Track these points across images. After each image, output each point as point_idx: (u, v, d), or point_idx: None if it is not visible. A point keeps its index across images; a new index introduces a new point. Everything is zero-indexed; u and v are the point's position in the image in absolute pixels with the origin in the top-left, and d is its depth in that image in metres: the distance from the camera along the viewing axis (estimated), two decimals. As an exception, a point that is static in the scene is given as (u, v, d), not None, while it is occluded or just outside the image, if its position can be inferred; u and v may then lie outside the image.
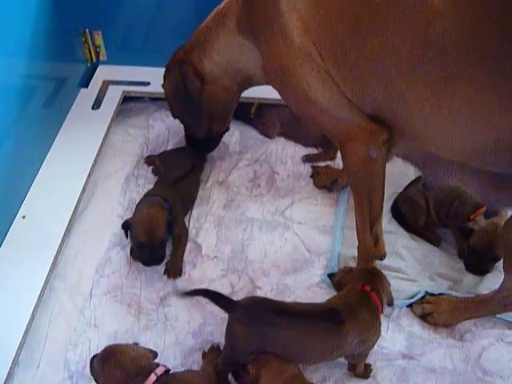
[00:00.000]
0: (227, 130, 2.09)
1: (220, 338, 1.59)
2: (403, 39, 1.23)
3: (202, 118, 1.89)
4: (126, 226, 1.71)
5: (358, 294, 1.44)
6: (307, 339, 1.36)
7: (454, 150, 1.37)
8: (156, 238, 1.67)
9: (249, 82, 1.77)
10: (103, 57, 2.35)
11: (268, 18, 1.42)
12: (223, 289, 1.73)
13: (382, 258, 1.68)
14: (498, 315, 1.66)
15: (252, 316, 1.35)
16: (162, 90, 2.26)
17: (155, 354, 1.41)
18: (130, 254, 1.80)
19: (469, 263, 1.67)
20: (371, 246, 1.66)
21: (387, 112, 1.38)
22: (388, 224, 1.91)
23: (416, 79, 1.26)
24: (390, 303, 1.52)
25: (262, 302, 1.43)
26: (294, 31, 1.36)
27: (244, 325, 1.34)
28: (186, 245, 1.83)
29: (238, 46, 1.62)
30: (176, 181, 1.91)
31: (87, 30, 2.24)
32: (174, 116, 2.01)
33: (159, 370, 1.33)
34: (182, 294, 1.45)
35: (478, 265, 1.66)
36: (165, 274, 1.76)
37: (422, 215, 1.89)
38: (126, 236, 1.73)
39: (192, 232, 1.90)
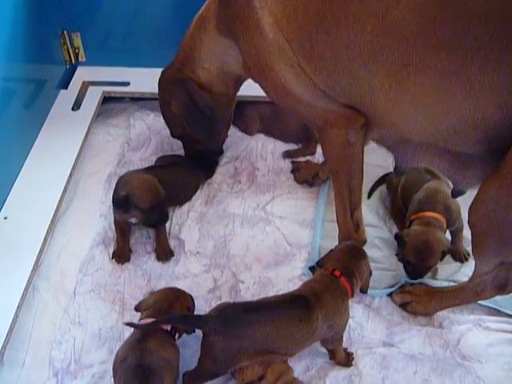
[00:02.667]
0: (227, 136, 2.12)
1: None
2: (364, 28, 1.26)
3: (218, 129, 1.93)
4: (125, 200, 1.66)
5: (326, 279, 1.46)
6: (283, 329, 1.37)
7: (420, 133, 1.40)
8: (161, 196, 1.71)
9: (240, 81, 1.80)
10: (82, 58, 2.36)
11: (243, 15, 1.45)
12: (206, 284, 1.76)
13: (363, 244, 1.71)
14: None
15: (227, 323, 1.33)
16: (142, 90, 2.29)
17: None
18: (112, 257, 1.81)
19: (407, 271, 1.72)
20: (352, 233, 1.70)
21: (356, 100, 1.42)
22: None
23: (379, 68, 1.29)
24: (363, 290, 1.53)
25: (231, 306, 1.41)
26: (267, 27, 1.39)
27: (221, 334, 1.33)
28: (165, 228, 1.85)
29: (222, 47, 1.64)
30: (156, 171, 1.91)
31: (65, 32, 2.25)
32: (174, 136, 2.01)
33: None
34: (143, 327, 1.39)
35: (415, 273, 1.71)
36: (159, 260, 1.79)
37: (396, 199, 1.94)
38: (128, 210, 1.68)
39: (175, 228, 1.92)
